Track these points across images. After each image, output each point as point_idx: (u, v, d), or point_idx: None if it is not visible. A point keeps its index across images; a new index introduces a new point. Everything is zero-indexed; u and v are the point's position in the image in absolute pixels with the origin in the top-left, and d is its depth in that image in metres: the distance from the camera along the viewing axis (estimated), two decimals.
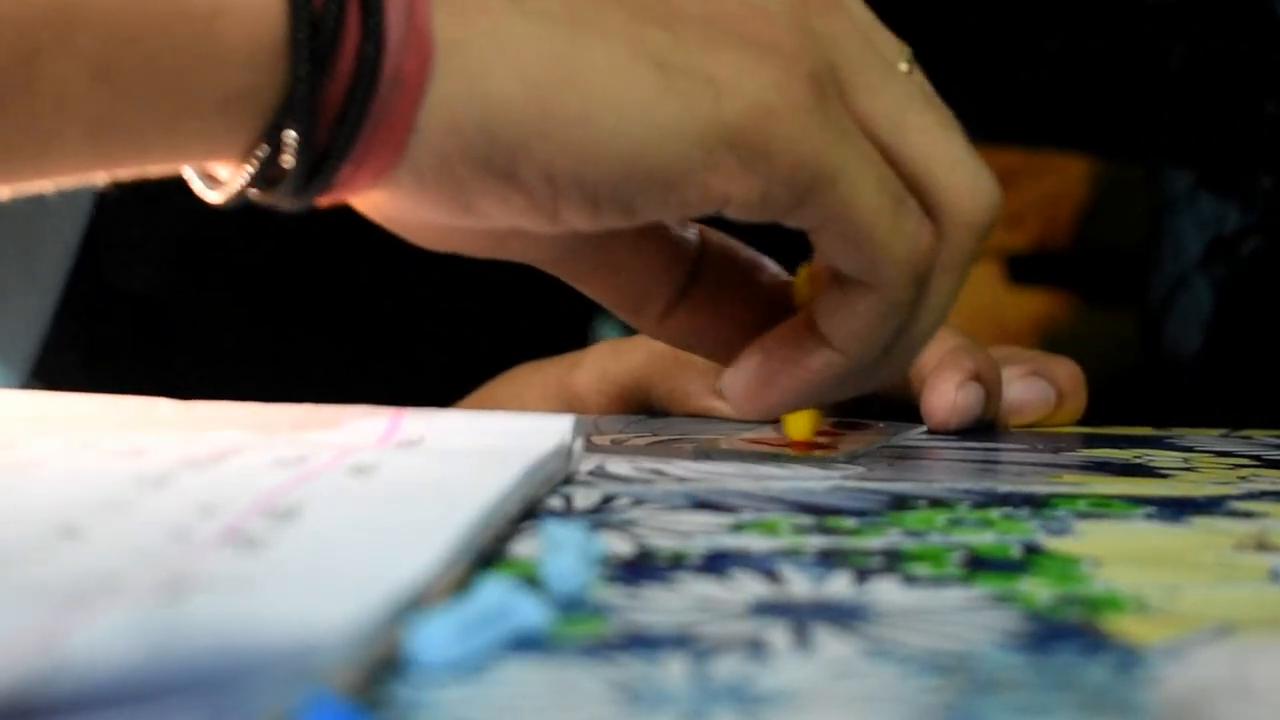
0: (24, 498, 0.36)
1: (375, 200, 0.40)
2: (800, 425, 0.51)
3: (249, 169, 0.38)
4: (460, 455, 0.40)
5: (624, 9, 0.40)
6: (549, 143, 0.38)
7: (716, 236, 0.47)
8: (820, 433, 0.54)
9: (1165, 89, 0.91)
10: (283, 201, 0.39)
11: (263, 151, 0.38)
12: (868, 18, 0.44)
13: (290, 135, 0.38)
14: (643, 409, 0.61)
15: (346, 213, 0.42)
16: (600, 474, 0.45)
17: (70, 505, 0.34)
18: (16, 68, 0.35)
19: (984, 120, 0.96)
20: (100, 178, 0.39)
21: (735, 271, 0.47)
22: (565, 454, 0.43)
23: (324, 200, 0.39)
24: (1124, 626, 0.30)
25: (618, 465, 0.47)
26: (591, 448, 0.50)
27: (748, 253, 0.48)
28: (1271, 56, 0.89)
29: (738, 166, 0.40)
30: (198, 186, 0.41)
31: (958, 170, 0.43)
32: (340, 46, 0.37)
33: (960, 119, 0.44)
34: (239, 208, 0.40)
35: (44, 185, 0.39)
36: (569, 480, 0.44)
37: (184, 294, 0.78)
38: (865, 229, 0.41)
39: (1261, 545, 0.38)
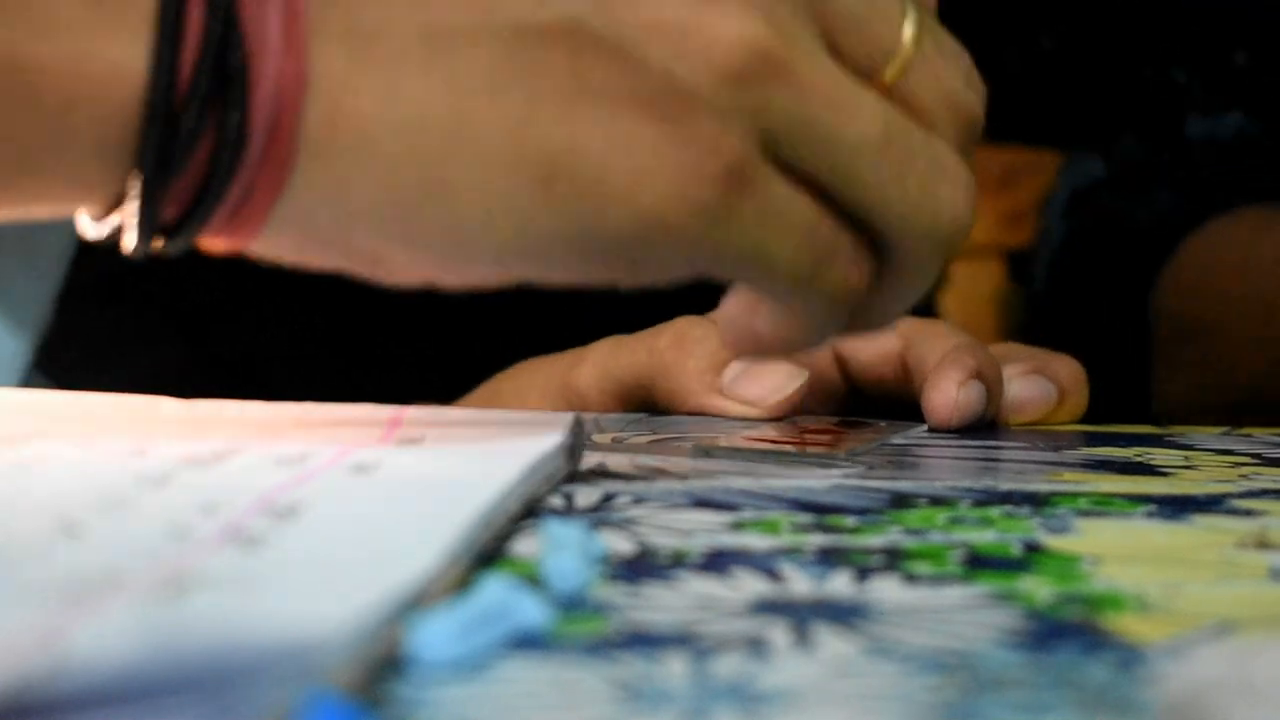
0: (25, 495, 0.36)
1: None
2: None
3: (110, 224, 0.37)
4: (461, 454, 0.40)
5: (521, 101, 0.36)
6: (412, 249, 0.37)
7: None
8: (821, 431, 0.54)
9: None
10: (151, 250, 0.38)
11: (111, 223, 0.37)
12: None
13: (132, 213, 0.36)
14: (644, 407, 0.61)
15: None
16: (601, 472, 0.45)
17: (71, 503, 0.34)
18: None
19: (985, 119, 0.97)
20: None
21: None
22: (566, 452, 0.43)
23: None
24: (1124, 625, 0.30)
25: (618, 463, 0.47)
26: (592, 446, 0.50)
27: None
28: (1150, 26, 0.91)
29: (623, 264, 0.38)
30: (83, 225, 0.39)
31: (909, 211, 0.40)
32: (194, 151, 0.36)
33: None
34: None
35: None
36: (570, 479, 0.44)
37: (184, 291, 0.78)
38: (779, 289, 0.40)
39: (1262, 543, 0.38)
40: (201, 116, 0.35)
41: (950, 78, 0.41)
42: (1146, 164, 0.89)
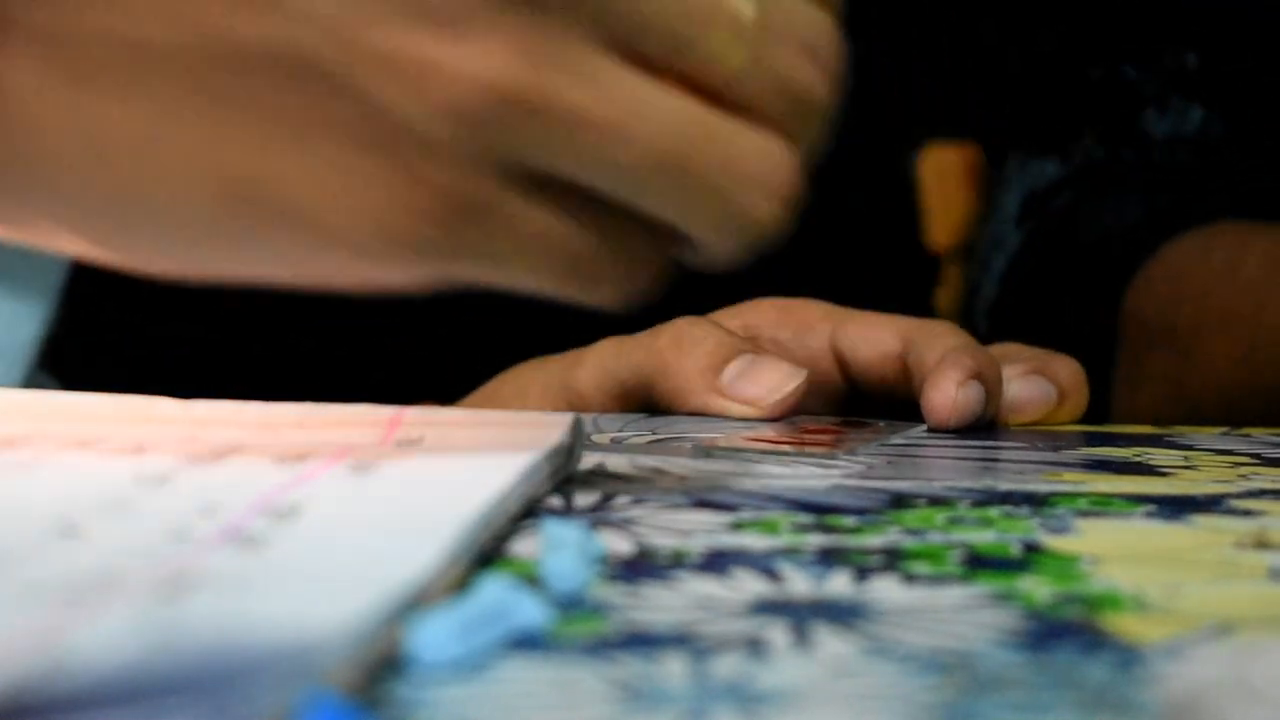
0: (24, 496, 0.36)
1: None
2: None
3: None
4: (460, 454, 0.40)
5: (217, 113, 0.34)
6: (106, 252, 0.36)
7: None
8: (820, 431, 0.54)
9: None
10: None
11: None
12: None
13: None
14: (643, 407, 0.61)
15: None
16: (600, 473, 0.45)
17: (70, 504, 0.34)
18: None
19: (984, 118, 0.96)
20: None
21: None
22: (565, 453, 0.43)
23: None
24: (1124, 625, 0.30)
25: (617, 464, 0.47)
26: (591, 446, 0.50)
27: None
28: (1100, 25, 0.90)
29: (329, 280, 0.37)
30: None
31: (707, 226, 0.37)
32: None
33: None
34: None
35: None
36: (569, 479, 0.44)
37: (183, 289, 0.78)
38: (549, 288, 0.37)
39: (1261, 543, 0.38)
40: None
41: (785, 56, 0.37)
42: (1109, 164, 0.87)
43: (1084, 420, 0.63)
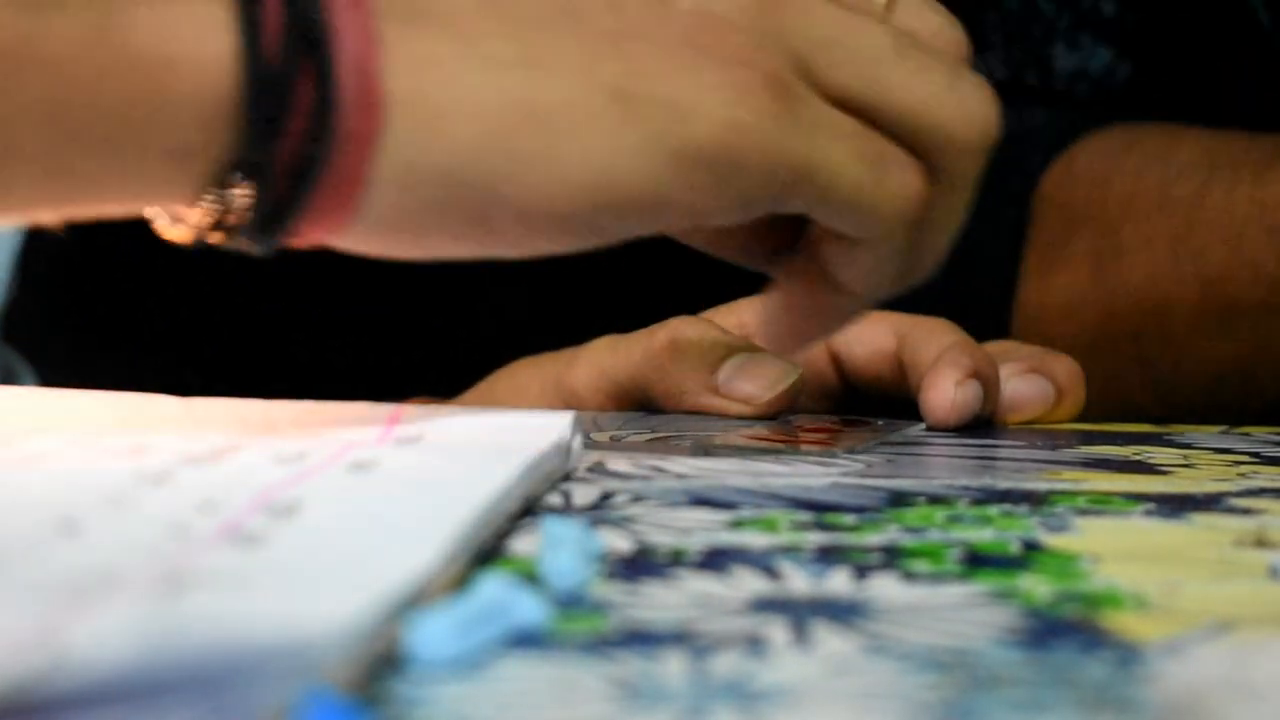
0: (23, 494, 0.36)
1: (335, 241, 0.40)
2: None
3: (205, 217, 0.38)
4: (459, 452, 0.40)
5: (576, 42, 0.39)
6: (515, 183, 0.38)
7: None
8: (819, 429, 0.54)
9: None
10: (243, 246, 0.39)
11: (216, 204, 0.38)
12: None
13: (239, 192, 0.37)
14: (639, 406, 0.61)
15: None
16: (599, 471, 0.45)
17: (70, 501, 0.34)
18: None
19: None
20: (63, 218, 0.38)
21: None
22: (564, 451, 0.43)
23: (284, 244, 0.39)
24: (1123, 623, 0.30)
25: (616, 462, 0.47)
26: (590, 444, 0.50)
27: None
28: None
29: (712, 183, 0.40)
30: (161, 225, 0.40)
31: (942, 110, 0.44)
32: (291, 107, 0.36)
33: None
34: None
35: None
36: (568, 477, 0.44)
37: (181, 289, 0.78)
38: (850, 203, 0.42)
39: (1260, 542, 0.38)
40: (292, 75, 0.36)
41: (933, 16, 0.46)
42: (1013, 82, 0.86)
43: (989, 321, 0.63)
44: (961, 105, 0.44)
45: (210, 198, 0.38)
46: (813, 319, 0.47)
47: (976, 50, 0.79)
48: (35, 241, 0.77)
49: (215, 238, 0.38)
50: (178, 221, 0.39)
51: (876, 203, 0.43)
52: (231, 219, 0.38)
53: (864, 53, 0.43)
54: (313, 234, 0.39)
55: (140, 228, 0.40)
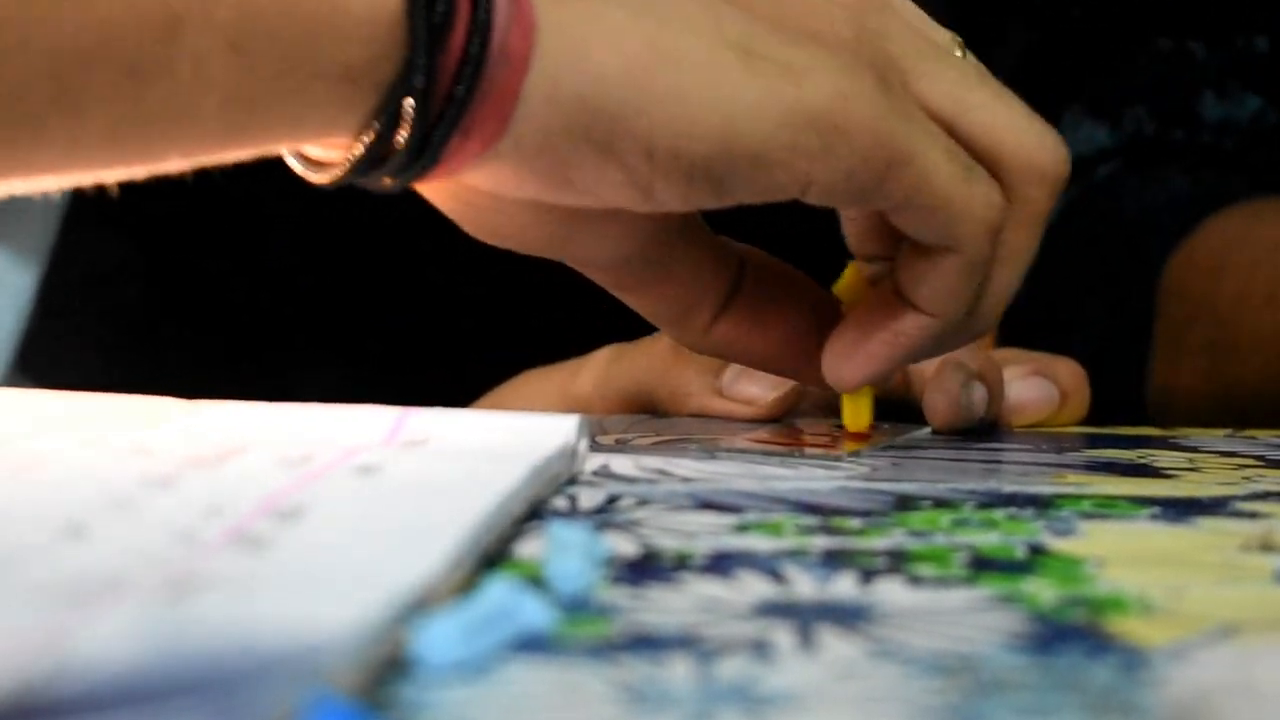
0: (29, 497, 0.36)
1: (468, 177, 0.42)
2: (859, 415, 0.54)
3: (362, 144, 0.40)
4: (465, 455, 0.40)
5: (700, 6, 0.42)
6: (646, 117, 0.41)
7: (755, 252, 0.50)
8: (824, 434, 0.54)
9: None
10: (384, 181, 0.41)
11: (379, 124, 0.40)
12: (917, 12, 0.48)
13: (408, 105, 0.39)
14: (645, 412, 0.61)
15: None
16: (605, 474, 0.45)
17: (76, 505, 0.34)
18: (158, 41, 0.37)
19: (1037, 74, 0.95)
20: (225, 156, 0.40)
21: (774, 284, 0.50)
22: (570, 454, 0.43)
23: (425, 180, 0.41)
24: (1128, 627, 0.30)
25: (622, 465, 0.47)
26: (596, 448, 0.50)
27: (784, 266, 0.51)
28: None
29: (820, 148, 0.42)
30: (299, 169, 0.42)
31: (1020, 134, 0.46)
32: (453, 23, 0.39)
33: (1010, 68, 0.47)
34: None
35: (170, 166, 0.40)
36: (574, 480, 0.44)
37: (176, 289, 0.78)
38: (943, 198, 0.44)
39: (1266, 546, 0.38)
40: None
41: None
42: (1158, 139, 0.87)
43: (1121, 401, 0.63)
44: (1038, 135, 0.47)
45: (376, 125, 0.40)
46: (884, 341, 0.48)
47: (1124, 105, 0.79)
48: (58, 274, 0.77)
49: (361, 174, 0.41)
50: (315, 166, 0.42)
51: (966, 204, 0.45)
52: (384, 149, 0.40)
53: (949, 74, 0.46)
54: (460, 161, 0.41)
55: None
